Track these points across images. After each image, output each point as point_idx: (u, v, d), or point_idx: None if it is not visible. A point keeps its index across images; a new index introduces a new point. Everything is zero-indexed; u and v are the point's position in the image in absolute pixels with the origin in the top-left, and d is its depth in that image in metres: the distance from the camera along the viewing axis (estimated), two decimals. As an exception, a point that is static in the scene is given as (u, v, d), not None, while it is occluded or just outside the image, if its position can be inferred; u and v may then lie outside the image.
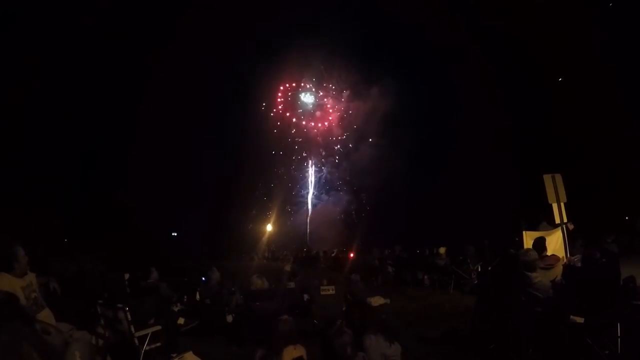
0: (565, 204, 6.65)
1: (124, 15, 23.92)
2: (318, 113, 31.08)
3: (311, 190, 30.81)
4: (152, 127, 28.11)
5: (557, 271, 5.04)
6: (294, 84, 30.82)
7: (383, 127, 28.52)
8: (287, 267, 7.29)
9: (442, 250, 10.67)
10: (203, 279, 7.15)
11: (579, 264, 5.30)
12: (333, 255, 17.76)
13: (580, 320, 3.85)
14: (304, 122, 30.89)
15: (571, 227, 6.60)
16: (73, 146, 22.50)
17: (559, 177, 6.74)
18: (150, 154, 28.07)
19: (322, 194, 30.91)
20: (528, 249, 4.82)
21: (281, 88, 30.72)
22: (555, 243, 6.29)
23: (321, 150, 30.82)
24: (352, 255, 15.83)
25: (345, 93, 30.25)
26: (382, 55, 28.81)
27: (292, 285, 7.41)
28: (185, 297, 7.22)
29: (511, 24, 21.61)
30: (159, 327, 4.44)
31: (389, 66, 27.80)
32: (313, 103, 31.06)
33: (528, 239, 6.62)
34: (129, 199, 23.80)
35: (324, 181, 31.03)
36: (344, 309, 4.95)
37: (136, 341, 4.16)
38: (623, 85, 17.61)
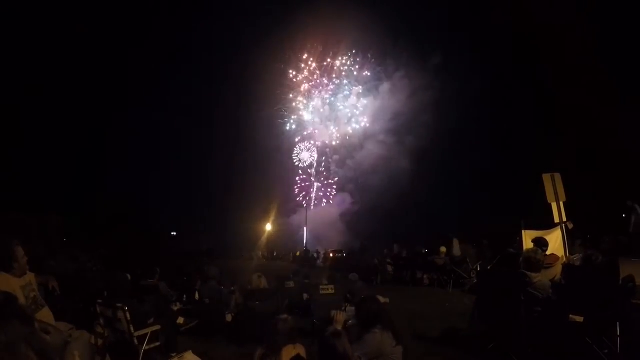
0: (564, 203, 6.65)
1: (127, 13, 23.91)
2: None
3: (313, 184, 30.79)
4: (151, 126, 28.15)
5: (557, 270, 5.05)
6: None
7: (390, 126, 28.60)
8: (291, 284, 7.29)
9: (442, 249, 10.66)
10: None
11: (579, 263, 5.31)
12: (332, 254, 17.78)
13: (579, 319, 3.85)
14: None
15: (570, 226, 6.59)
16: (73, 146, 22.53)
17: (558, 177, 6.73)
18: (150, 153, 28.12)
19: (327, 193, 30.94)
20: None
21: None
22: (554, 242, 6.28)
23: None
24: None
25: (356, 89, 30.20)
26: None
27: (291, 284, 7.40)
28: (185, 296, 7.22)
29: (511, 21, 21.58)
30: (158, 327, 4.43)
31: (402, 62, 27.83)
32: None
33: (528, 238, 6.62)
34: (128, 198, 23.82)
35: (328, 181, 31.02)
36: (344, 308, 4.94)
37: (135, 341, 4.14)
38: (624, 85, 17.63)
